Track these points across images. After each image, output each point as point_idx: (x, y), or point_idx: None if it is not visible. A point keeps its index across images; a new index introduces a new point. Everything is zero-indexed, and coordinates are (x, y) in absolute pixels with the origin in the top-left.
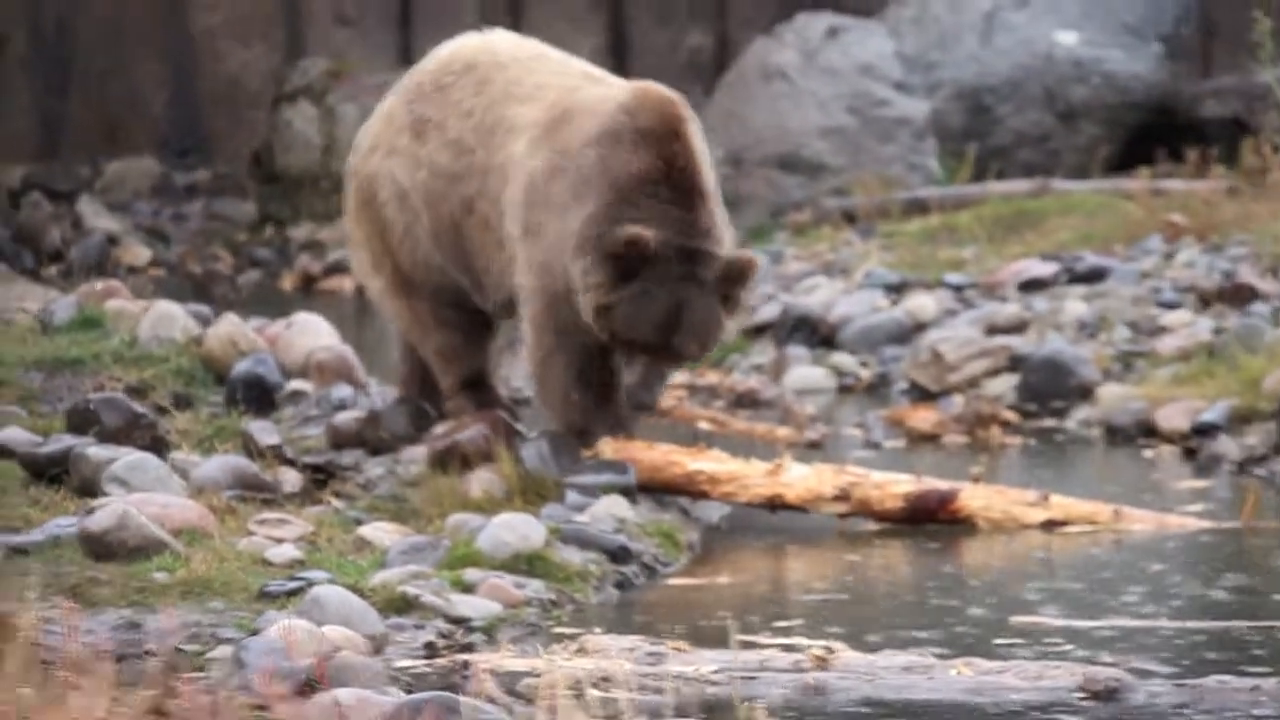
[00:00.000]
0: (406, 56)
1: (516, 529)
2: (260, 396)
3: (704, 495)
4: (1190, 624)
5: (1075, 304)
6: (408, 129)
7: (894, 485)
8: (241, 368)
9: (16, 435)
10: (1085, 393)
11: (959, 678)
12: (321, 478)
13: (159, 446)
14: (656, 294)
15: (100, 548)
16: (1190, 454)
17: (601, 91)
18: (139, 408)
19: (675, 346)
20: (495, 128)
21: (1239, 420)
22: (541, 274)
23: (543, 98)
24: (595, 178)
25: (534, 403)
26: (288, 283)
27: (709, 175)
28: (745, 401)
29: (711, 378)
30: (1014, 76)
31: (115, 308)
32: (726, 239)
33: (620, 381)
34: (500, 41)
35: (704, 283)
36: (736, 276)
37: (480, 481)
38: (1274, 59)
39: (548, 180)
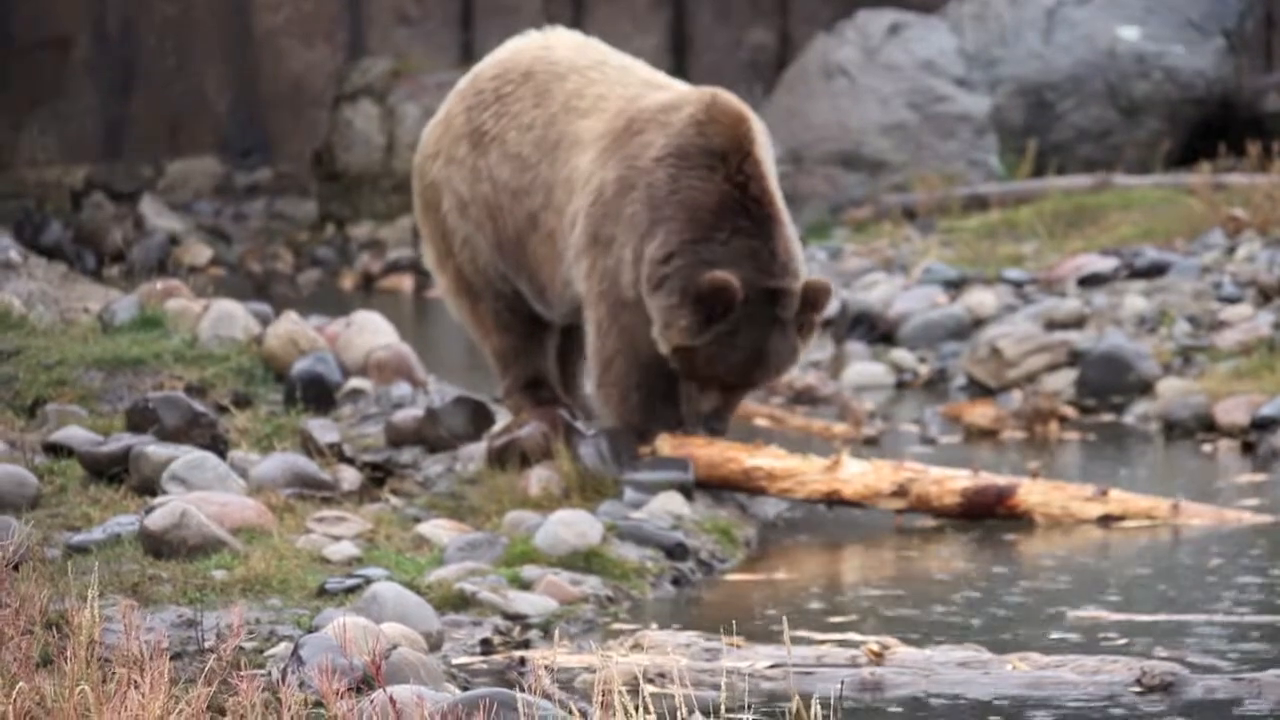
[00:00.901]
0: (468, 56)
1: (574, 526)
2: (319, 395)
3: (761, 491)
4: (1248, 618)
5: (1135, 299)
6: (466, 138)
7: (951, 481)
8: (301, 366)
9: (77, 434)
10: (1144, 387)
11: (1015, 673)
12: (380, 475)
13: (218, 445)
14: (741, 336)
15: (160, 546)
16: (1249, 448)
17: (666, 99)
18: (199, 406)
19: (754, 381)
20: (559, 142)
21: None
22: (608, 282)
23: (605, 109)
24: (668, 200)
25: (594, 403)
26: (348, 281)
27: (779, 195)
28: (803, 398)
29: None
30: (1076, 72)
31: (176, 307)
32: (801, 266)
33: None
34: (559, 45)
35: (785, 321)
36: (812, 304)
37: (538, 479)
38: None
39: (617, 194)
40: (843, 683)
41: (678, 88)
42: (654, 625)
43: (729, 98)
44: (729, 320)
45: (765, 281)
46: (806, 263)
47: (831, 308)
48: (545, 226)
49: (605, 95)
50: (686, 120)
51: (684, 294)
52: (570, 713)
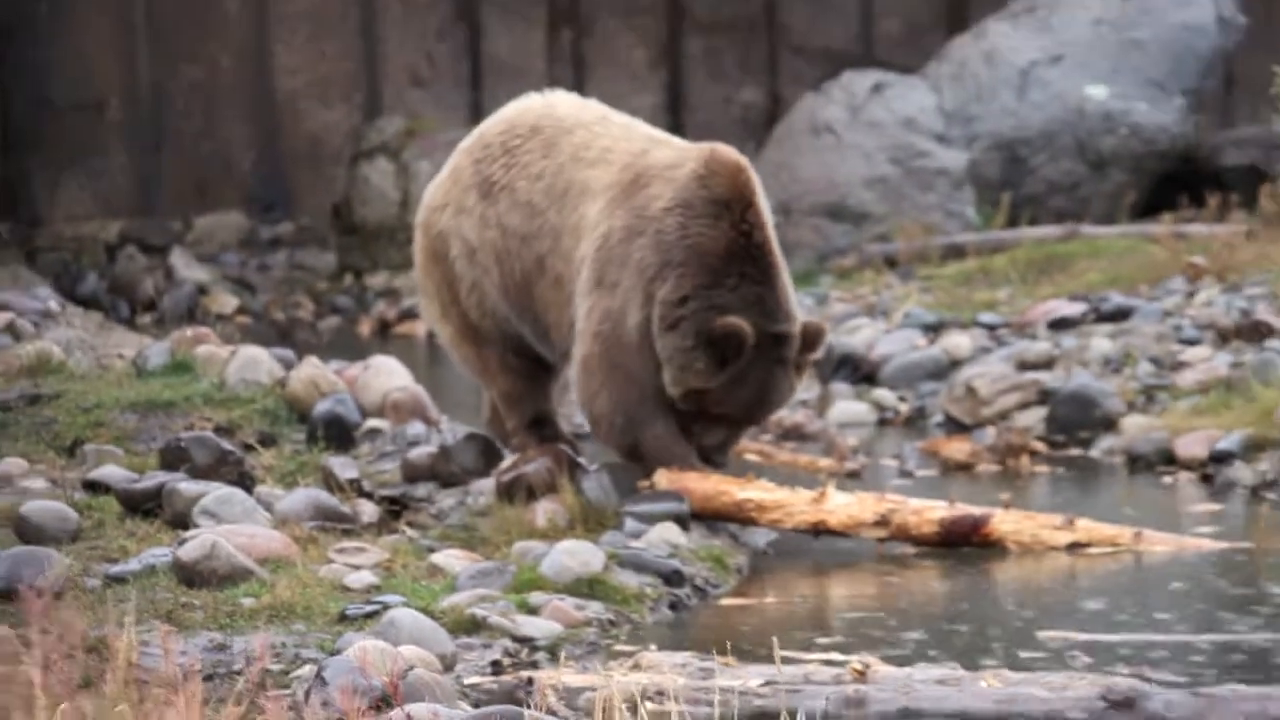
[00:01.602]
0: (477, 115)
1: (578, 555)
2: (340, 434)
3: (752, 522)
4: (1205, 637)
5: (1101, 341)
6: (475, 188)
7: (930, 511)
8: (322, 407)
9: (114, 472)
10: (1110, 424)
11: (989, 689)
12: (396, 509)
13: (246, 481)
14: (749, 378)
15: (192, 575)
16: (1207, 480)
17: (670, 155)
18: (227, 445)
19: (757, 418)
20: (568, 190)
21: (1253, 448)
22: (609, 323)
23: (612, 161)
24: (678, 245)
25: (591, 436)
26: (365, 328)
27: (776, 241)
28: (792, 434)
29: None
30: (1047, 129)
31: (205, 353)
32: (797, 310)
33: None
34: (562, 104)
35: (787, 362)
36: (809, 345)
37: (544, 511)
38: None
39: (624, 240)
40: (828, 699)
41: (678, 144)
42: (653, 647)
43: (728, 150)
44: (739, 363)
45: (770, 326)
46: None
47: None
48: (552, 271)
49: (611, 148)
50: (690, 174)
51: (698, 337)
52: None
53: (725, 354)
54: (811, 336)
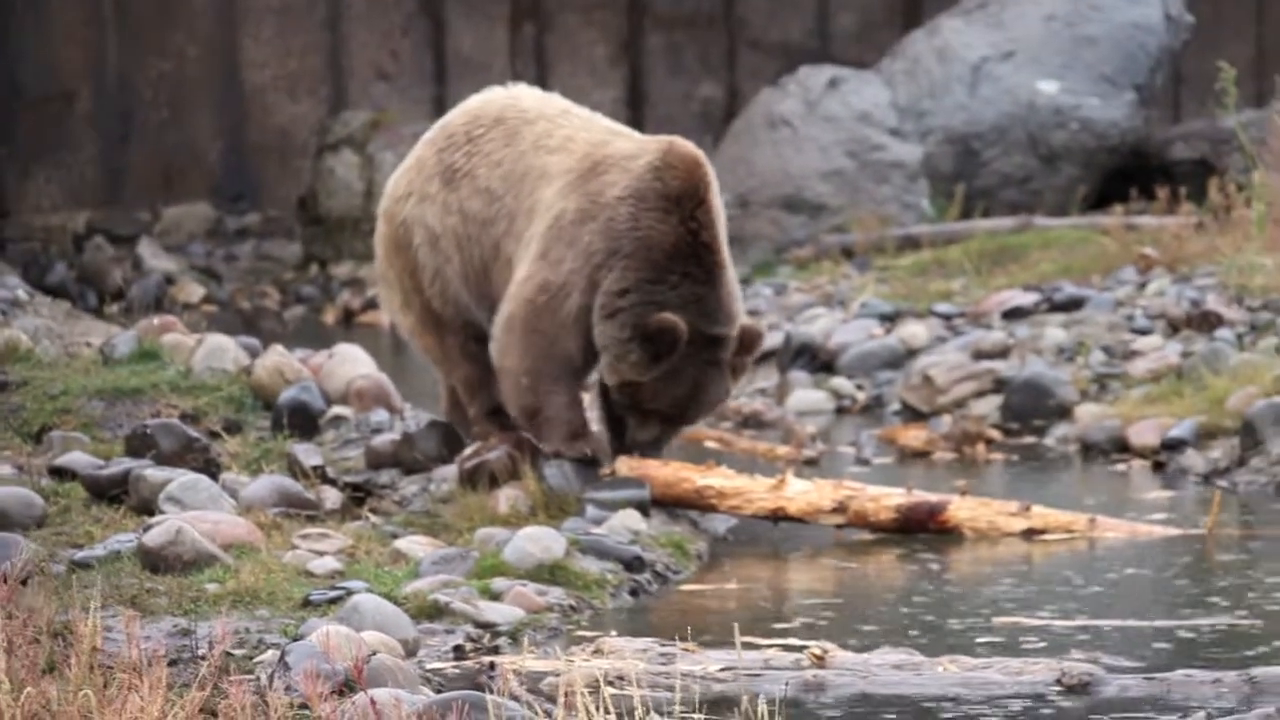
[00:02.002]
0: (440, 108)
1: (539, 541)
2: (304, 421)
3: (712, 509)
4: (1158, 623)
5: (1055, 330)
6: (438, 176)
7: (887, 498)
8: (287, 395)
9: (80, 459)
10: (1063, 412)
11: (946, 674)
12: (360, 495)
13: (211, 468)
14: (682, 374)
15: (157, 561)
16: (1159, 468)
17: (630, 146)
18: (193, 433)
19: (689, 417)
20: (526, 175)
21: (1205, 436)
22: (545, 295)
23: (573, 149)
24: (627, 235)
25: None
26: (330, 317)
27: (725, 241)
28: (751, 422)
29: None
30: (999, 123)
31: (171, 341)
32: (739, 311)
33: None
34: (526, 97)
35: (722, 363)
36: (745, 348)
37: (507, 498)
38: (1237, 105)
39: (575, 222)
40: (787, 684)
41: (639, 137)
42: (614, 632)
43: (685, 145)
44: (673, 359)
45: (706, 327)
46: (755, 298)
47: (774, 340)
48: (506, 253)
49: (572, 137)
50: (646, 166)
51: (635, 330)
52: (536, 713)
53: (659, 349)
54: (749, 340)
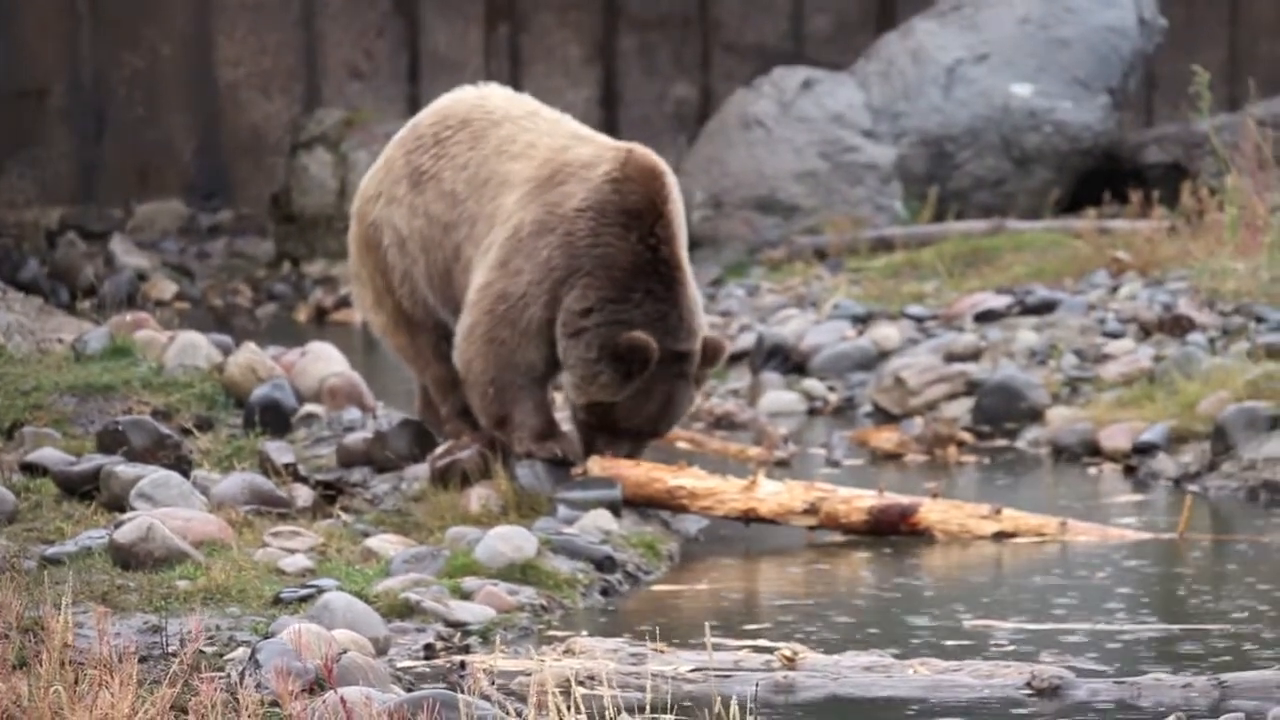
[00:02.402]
0: (414, 107)
1: (511, 540)
2: (276, 419)
3: (683, 509)
4: (1128, 626)
5: (1027, 333)
6: (406, 178)
7: (859, 500)
8: (260, 393)
9: (51, 455)
10: (1035, 415)
11: (916, 676)
12: (332, 494)
13: (182, 465)
14: (652, 392)
15: (128, 558)
16: (1131, 471)
17: (588, 153)
18: (164, 429)
19: (659, 432)
20: (488, 180)
21: (1176, 440)
22: (504, 304)
23: (534, 156)
24: (587, 253)
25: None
26: (302, 315)
27: (686, 256)
28: (723, 423)
29: None
30: (973, 125)
31: (144, 338)
32: (701, 325)
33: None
34: (495, 98)
35: (688, 376)
36: (708, 360)
37: (478, 497)
38: (1211, 110)
39: (534, 234)
40: (758, 685)
41: (599, 141)
42: (585, 632)
43: (644, 154)
44: (643, 377)
45: (672, 345)
46: (727, 299)
47: (747, 341)
48: (465, 256)
49: (535, 144)
50: (604, 176)
51: (602, 350)
52: (507, 713)
53: (630, 368)
54: (712, 352)
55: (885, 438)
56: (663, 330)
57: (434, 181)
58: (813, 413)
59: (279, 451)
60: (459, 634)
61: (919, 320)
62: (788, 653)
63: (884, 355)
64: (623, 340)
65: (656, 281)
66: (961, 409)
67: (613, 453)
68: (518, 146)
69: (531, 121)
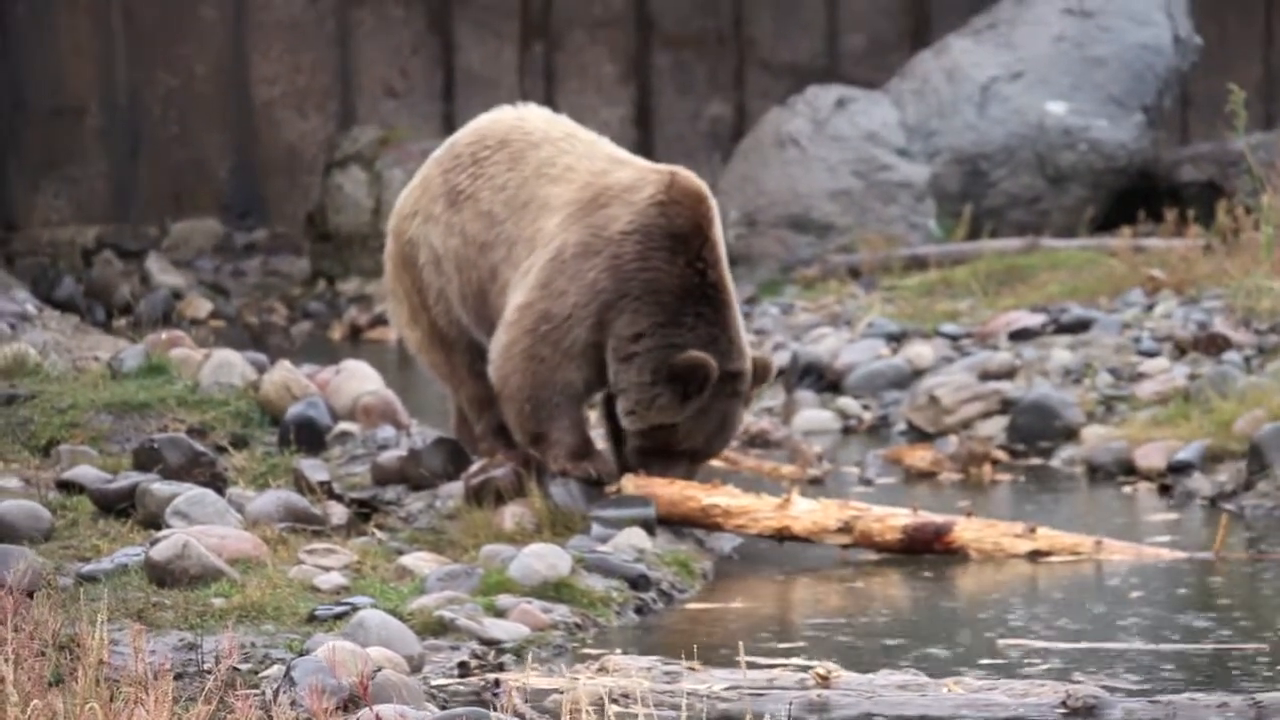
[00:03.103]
0: (449, 125)
1: (545, 558)
2: (311, 437)
3: (718, 527)
4: (1164, 646)
5: (1061, 352)
6: (443, 197)
7: (893, 519)
8: (294, 410)
9: (88, 473)
10: (1070, 434)
11: (951, 695)
12: (366, 511)
13: (218, 483)
14: (710, 412)
15: (163, 575)
16: (1166, 490)
17: (630, 176)
18: (200, 447)
19: (716, 452)
20: (528, 203)
21: (1211, 459)
22: (546, 325)
23: (574, 180)
24: (635, 277)
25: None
26: (337, 333)
27: (730, 277)
28: (757, 441)
29: None
30: (1007, 143)
31: (179, 356)
32: (747, 345)
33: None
34: (533, 118)
35: (741, 395)
36: (759, 379)
37: (512, 515)
38: (1246, 128)
39: (577, 256)
40: (792, 704)
41: (639, 165)
42: (619, 650)
43: (688, 178)
44: (702, 397)
45: (725, 365)
46: (761, 317)
47: (781, 360)
48: (503, 278)
49: (574, 166)
50: (649, 200)
51: (656, 373)
52: None
53: (689, 389)
54: (761, 371)
55: (919, 456)
56: (715, 352)
57: (471, 201)
58: (847, 431)
59: (314, 469)
60: (493, 652)
61: (953, 339)
62: (822, 671)
63: (918, 374)
64: (680, 360)
65: (705, 305)
66: (996, 427)
67: (669, 475)
68: (557, 169)
69: (569, 144)
